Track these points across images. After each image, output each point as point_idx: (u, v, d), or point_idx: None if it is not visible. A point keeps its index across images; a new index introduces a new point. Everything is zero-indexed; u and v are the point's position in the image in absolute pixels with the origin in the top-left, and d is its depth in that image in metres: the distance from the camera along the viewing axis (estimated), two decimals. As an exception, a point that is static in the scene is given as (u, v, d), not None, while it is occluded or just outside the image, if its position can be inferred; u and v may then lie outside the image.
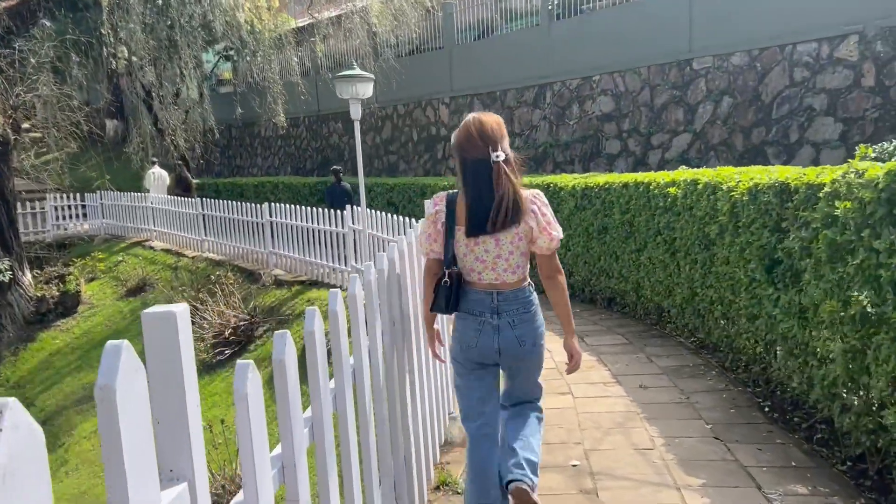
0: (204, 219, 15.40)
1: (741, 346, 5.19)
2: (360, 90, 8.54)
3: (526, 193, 2.76)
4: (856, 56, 8.44)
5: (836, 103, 8.64)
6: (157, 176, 19.14)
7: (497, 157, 2.70)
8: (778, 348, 4.40)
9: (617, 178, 7.65)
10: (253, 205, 13.50)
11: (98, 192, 20.54)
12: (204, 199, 15.46)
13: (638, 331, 6.97)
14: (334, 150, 18.84)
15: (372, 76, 8.68)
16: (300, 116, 20.11)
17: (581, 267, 8.45)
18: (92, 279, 17.19)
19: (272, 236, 12.94)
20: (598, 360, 5.92)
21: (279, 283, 12.39)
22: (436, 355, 3.20)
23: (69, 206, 21.31)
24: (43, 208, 21.51)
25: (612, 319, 7.63)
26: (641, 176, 7.08)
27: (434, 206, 2.86)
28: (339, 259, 11.11)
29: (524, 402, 2.99)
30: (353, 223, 10.41)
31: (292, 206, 12.18)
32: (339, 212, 10.89)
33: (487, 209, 2.68)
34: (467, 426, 2.92)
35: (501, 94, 13.71)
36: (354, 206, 10.84)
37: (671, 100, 10.65)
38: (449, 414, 4.33)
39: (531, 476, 2.72)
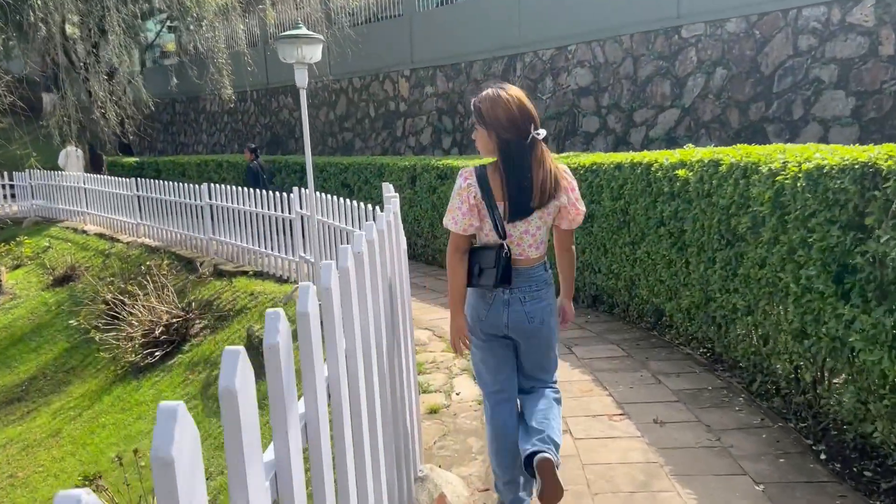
0: (139, 200, 13.99)
1: (778, 370, 4.17)
2: (306, 53, 7.30)
3: (559, 168, 2.76)
4: (872, 21, 7.46)
5: (847, 75, 7.67)
6: (71, 154, 18.10)
7: (538, 134, 2.67)
8: (846, 382, 3.37)
9: (607, 157, 6.57)
10: (191, 186, 12.16)
11: (28, 171, 18.87)
12: (139, 179, 14.03)
13: (634, 338, 5.93)
14: (284, 125, 17.48)
15: (321, 37, 7.44)
16: (248, 90, 18.65)
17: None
18: (17, 266, 15.69)
19: (212, 221, 11.63)
20: (594, 379, 4.86)
21: (219, 274, 11.13)
22: (459, 350, 2.96)
23: (-7, 186, 19.60)
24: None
25: (600, 322, 6.58)
26: (639, 155, 6.01)
27: (464, 180, 2.72)
28: (286, 248, 9.89)
29: (539, 380, 2.95)
30: (301, 208, 9.18)
31: (235, 187, 10.88)
32: (287, 195, 9.65)
33: (529, 190, 2.66)
34: (486, 394, 2.95)
35: (467, 66, 12.54)
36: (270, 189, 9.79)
37: (657, 72, 9.61)
38: (417, 474, 3.23)
39: (555, 452, 2.66)
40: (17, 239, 15.97)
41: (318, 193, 8.79)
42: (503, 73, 11.87)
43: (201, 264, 11.70)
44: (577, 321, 6.70)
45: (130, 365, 9.44)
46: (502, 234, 2.69)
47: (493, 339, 2.86)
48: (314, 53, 7.38)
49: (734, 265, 4.49)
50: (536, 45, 11.23)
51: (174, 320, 9.68)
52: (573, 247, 2.96)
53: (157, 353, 9.37)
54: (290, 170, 13.58)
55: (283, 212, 9.77)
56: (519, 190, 2.65)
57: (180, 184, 12.46)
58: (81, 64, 14.33)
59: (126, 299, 10.09)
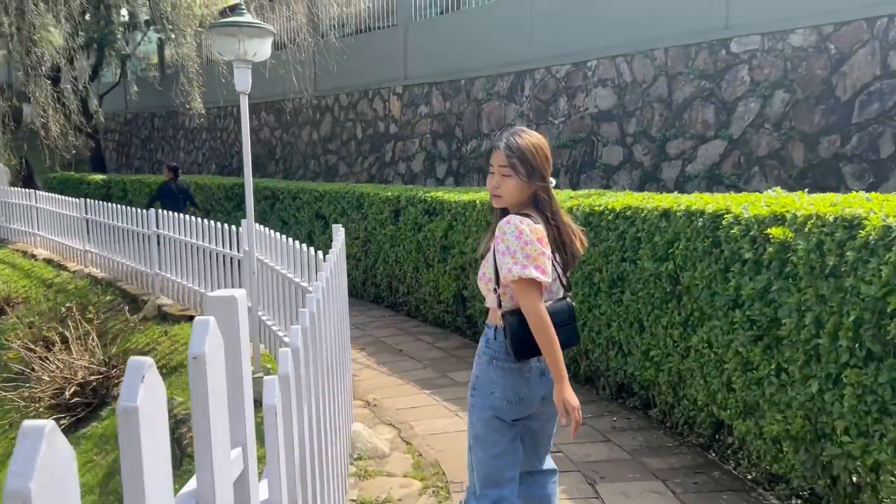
0: (88, 224, 12.20)
1: None
2: (250, 49, 5.53)
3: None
4: None
5: (958, 102, 5.88)
6: None
7: (553, 181, 2.55)
8: None
9: (646, 200, 4.76)
10: (139, 211, 10.37)
11: (-20, 184, 17.13)
12: (87, 200, 12.25)
13: (687, 466, 4.07)
14: (264, 145, 15.73)
15: (270, 28, 5.67)
16: (227, 106, 16.95)
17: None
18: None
19: (159, 253, 9.82)
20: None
21: (163, 317, 9.30)
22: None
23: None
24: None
25: (632, 430, 4.72)
26: (698, 200, 4.21)
27: (532, 223, 2.38)
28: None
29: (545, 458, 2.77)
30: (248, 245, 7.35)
31: (183, 216, 9.08)
32: (232, 228, 7.84)
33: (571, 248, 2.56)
34: (497, 493, 2.56)
35: (467, 84, 10.79)
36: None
37: (697, 94, 7.83)
38: None
39: None
40: (-46, 262, 14.15)
41: (262, 228, 6.97)
42: (509, 91, 10.11)
43: (145, 303, 9.89)
44: (601, 422, 4.84)
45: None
46: (568, 286, 2.60)
47: (515, 425, 2.59)
48: (261, 49, 5.60)
49: (886, 395, 2.65)
50: (550, 61, 9.48)
51: (92, 378, 7.82)
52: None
53: (63, 421, 7.50)
54: (259, 196, 11.79)
55: (229, 248, 7.96)
56: (570, 239, 2.53)
57: (129, 208, 10.69)
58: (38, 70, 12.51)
59: (37, 349, 8.24)
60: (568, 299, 2.54)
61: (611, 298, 5.11)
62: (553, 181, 2.50)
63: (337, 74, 13.06)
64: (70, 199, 12.96)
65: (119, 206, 11.00)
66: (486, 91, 10.48)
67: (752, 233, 3.55)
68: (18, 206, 15.16)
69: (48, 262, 13.61)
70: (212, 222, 8.38)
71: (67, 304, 9.30)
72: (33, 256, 14.27)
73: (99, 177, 17.62)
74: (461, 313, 7.54)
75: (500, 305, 2.46)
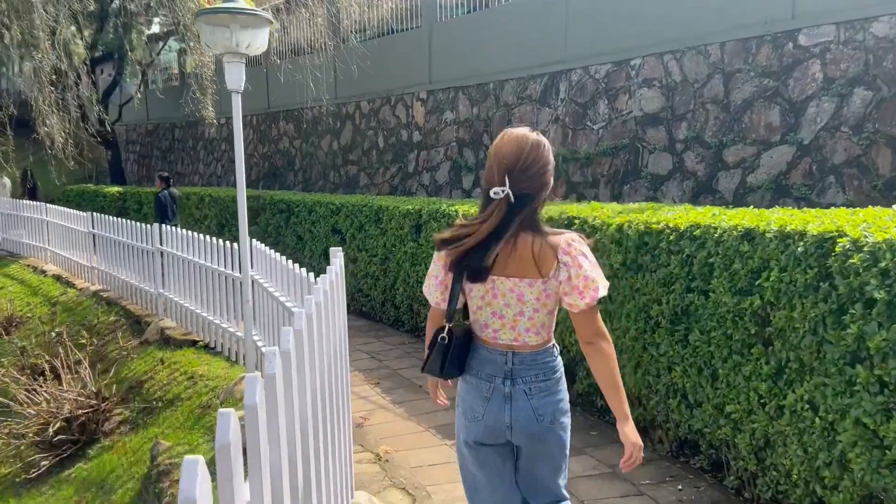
0: (94, 239, 11.54)
1: None
2: (242, 40, 4.73)
3: (557, 238, 2.26)
4: None
5: None
6: None
7: (496, 193, 2.28)
8: None
9: (728, 217, 3.84)
10: (143, 226, 9.66)
11: (-6, 197, 16.65)
12: (94, 214, 11.59)
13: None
14: (283, 156, 14.99)
15: (266, 17, 4.86)
16: (246, 115, 16.27)
17: (627, 371, 4.63)
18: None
19: (163, 272, 9.08)
20: None
21: (166, 341, 8.57)
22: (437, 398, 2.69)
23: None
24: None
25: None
26: (798, 218, 3.29)
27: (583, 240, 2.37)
28: (238, 318, 7.27)
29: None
30: (253, 267, 6.52)
31: (189, 232, 8.33)
32: (236, 246, 7.04)
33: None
34: None
35: (496, 87, 9.92)
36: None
37: (759, 93, 6.88)
38: None
39: None
40: (-38, 278, 13.58)
41: (261, 248, 6.16)
42: (542, 95, 9.22)
43: (148, 325, 9.15)
44: (663, 492, 3.91)
45: (3, 482, 6.81)
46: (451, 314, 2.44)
47: (486, 448, 2.41)
48: (256, 41, 4.79)
49: None
50: (588, 60, 8.58)
51: (80, 412, 7.05)
52: (604, 342, 2.31)
53: (44, 462, 6.73)
54: (274, 209, 11.02)
55: (230, 268, 7.15)
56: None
57: (134, 222, 9.99)
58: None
59: (24, 378, 7.50)
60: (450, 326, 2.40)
61: (673, 337, 4.19)
62: (502, 190, 2.27)
63: (358, 80, 12.28)
64: (76, 212, 12.33)
65: (124, 220, 10.31)
66: (516, 94, 9.60)
67: (883, 264, 2.62)
68: (30, 220, 14.59)
69: (57, 278, 13.01)
70: (215, 240, 7.61)
71: (56, 330, 8.57)
72: (43, 272, 13.69)
73: (115, 189, 17.05)
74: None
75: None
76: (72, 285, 12.24)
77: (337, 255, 3.64)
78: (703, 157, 7.31)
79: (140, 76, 19.71)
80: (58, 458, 6.73)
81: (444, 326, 2.36)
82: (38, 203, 14.46)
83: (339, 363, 3.26)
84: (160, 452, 5.48)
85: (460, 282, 2.33)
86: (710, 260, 3.80)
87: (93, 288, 11.52)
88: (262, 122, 15.73)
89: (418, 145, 11.22)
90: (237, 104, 4.93)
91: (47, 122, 10.99)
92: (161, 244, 8.98)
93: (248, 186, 15.56)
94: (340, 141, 13.16)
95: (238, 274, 6.89)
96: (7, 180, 17.98)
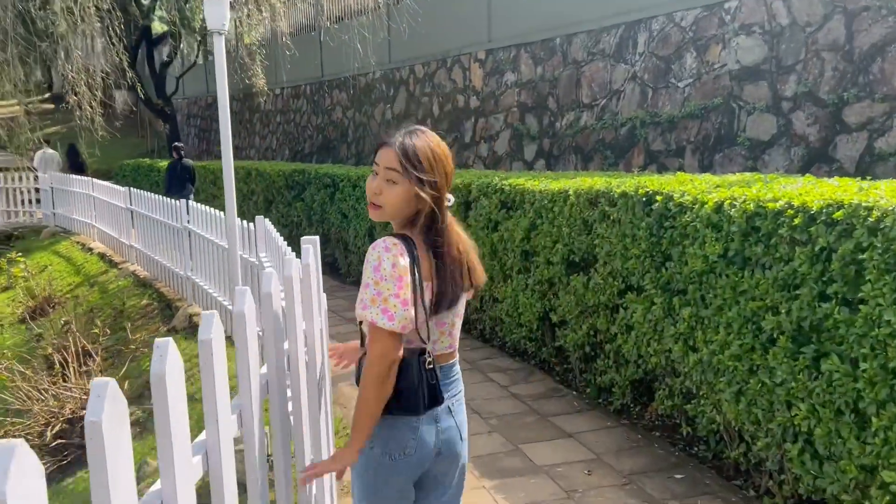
0: (133, 216, 10.86)
1: None
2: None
3: None
4: None
5: None
6: (46, 155, 16.88)
7: (450, 199, 2.06)
8: None
9: (892, 192, 2.61)
10: (172, 202, 8.87)
11: (49, 173, 16.28)
12: (132, 189, 10.89)
13: None
14: (337, 127, 14.05)
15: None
16: (301, 85, 15.39)
17: (726, 397, 3.43)
18: (6, 288, 12.88)
19: (190, 252, 8.25)
20: None
21: (194, 329, 7.71)
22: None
23: (21, 190, 17.16)
24: (-10, 190, 17.43)
25: None
26: None
27: (399, 253, 1.93)
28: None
29: None
30: (264, 251, 5.52)
31: (215, 211, 7.46)
32: (247, 225, 6.07)
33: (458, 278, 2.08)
34: None
35: (564, 43, 8.64)
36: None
37: (893, 36, 5.44)
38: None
39: None
40: (9, 256, 13.16)
41: (271, 229, 5.15)
42: (617, 49, 7.91)
43: (177, 311, 8.37)
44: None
45: None
46: (426, 337, 2.02)
47: (405, 492, 2.10)
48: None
49: None
50: (672, 5, 7.23)
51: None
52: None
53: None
54: (319, 184, 10.06)
55: (247, 252, 6.19)
56: (455, 265, 2.06)
57: (167, 199, 9.22)
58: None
59: (29, 372, 6.76)
60: (426, 349, 2.01)
61: (795, 361, 2.97)
62: (451, 199, 2.05)
63: (412, 42, 11.16)
64: (116, 187, 11.69)
65: (156, 196, 9.55)
66: (587, 50, 8.30)
67: None
68: (78, 195, 14.11)
69: (101, 256, 12.47)
70: (243, 222, 6.67)
71: (64, 319, 7.84)
72: (90, 250, 13.21)
73: (167, 163, 16.46)
74: (548, 343, 5.51)
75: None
76: (114, 264, 11.66)
77: (312, 244, 2.63)
78: (816, 117, 5.91)
79: (197, 47, 19.06)
80: (57, 465, 5.95)
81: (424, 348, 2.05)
82: (86, 178, 13.94)
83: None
84: (146, 476, 4.59)
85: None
86: (862, 255, 2.56)
87: (131, 268, 10.89)
88: (316, 91, 14.81)
89: (476, 112, 10.04)
90: (220, 53, 3.89)
91: (77, 90, 10.22)
92: (188, 221, 8.14)
93: (300, 160, 14.74)
94: (394, 109, 12.09)
95: (254, 259, 5.92)
96: (55, 153, 17.68)
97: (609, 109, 7.92)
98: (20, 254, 13.27)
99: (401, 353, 1.94)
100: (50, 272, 12.82)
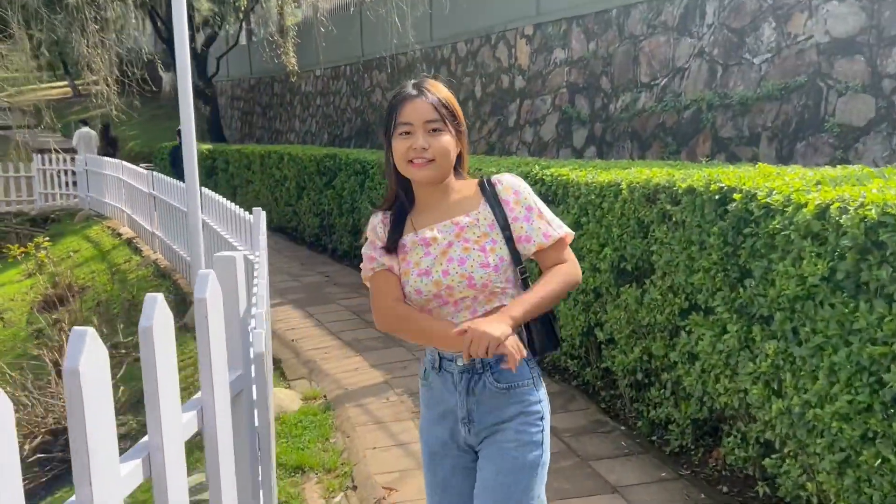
0: (155, 202, 10.30)
1: None
2: None
3: None
4: None
5: None
6: (84, 134, 16.85)
7: None
8: None
9: None
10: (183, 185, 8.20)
11: (84, 156, 15.94)
12: (154, 174, 10.32)
13: None
14: (376, 110, 13.28)
15: None
16: (341, 66, 14.66)
17: (832, 479, 2.52)
18: (31, 274, 12.51)
19: (202, 241, 7.58)
20: None
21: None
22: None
23: (58, 172, 16.89)
24: (29, 172, 17.21)
25: None
26: None
27: None
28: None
29: None
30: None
31: (225, 201, 6.77)
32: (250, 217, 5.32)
33: None
34: None
35: (620, 15, 7.68)
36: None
37: None
38: None
39: None
40: (37, 241, 12.77)
41: (246, 218, 4.41)
42: (681, 21, 6.92)
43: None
44: None
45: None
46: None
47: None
48: None
49: None
50: (748, -32, 6.21)
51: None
52: None
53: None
54: (349, 170, 9.31)
55: (244, 244, 5.45)
56: None
57: (180, 183, 8.56)
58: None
59: (17, 375, 6.17)
60: None
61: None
62: None
63: (454, 17, 10.30)
64: (140, 170, 11.15)
65: (173, 181, 8.94)
66: (647, 22, 7.32)
67: None
68: (109, 178, 13.67)
69: (128, 243, 11.99)
70: (232, 207, 5.94)
71: (55, 317, 7.25)
72: (119, 235, 12.77)
73: (204, 147, 15.94)
74: (593, 363, 4.66)
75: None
76: (139, 252, 11.16)
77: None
78: (928, 98, 4.88)
79: (240, 26, 18.48)
80: (31, 484, 5.32)
81: None
82: (116, 160, 13.48)
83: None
84: None
85: None
86: None
87: (153, 257, 10.35)
88: (355, 72, 14.07)
89: (521, 93, 9.13)
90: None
91: (92, 65, 9.64)
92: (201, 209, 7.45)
93: (338, 145, 14.03)
94: (435, 91, 11.25)
95: (254, 256, 5.18)
96: (93, 132, 17.36)
97: (671, 90, 6.94)
98: (48, 238, 12.89)
99: None
100: (75, 258, 12.42)
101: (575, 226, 4.62)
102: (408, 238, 1.94)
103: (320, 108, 15.78)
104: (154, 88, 29.43)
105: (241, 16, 17.91)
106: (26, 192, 17.16)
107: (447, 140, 1.88)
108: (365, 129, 13.63)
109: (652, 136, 7.08)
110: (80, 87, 31.11)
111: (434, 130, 1.87)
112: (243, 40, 19.05)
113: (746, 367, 3.15)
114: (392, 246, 1.94)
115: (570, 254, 1.97)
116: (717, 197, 3.32)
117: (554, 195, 4.90)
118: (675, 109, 6.82)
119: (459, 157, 1.97)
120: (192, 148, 4.05)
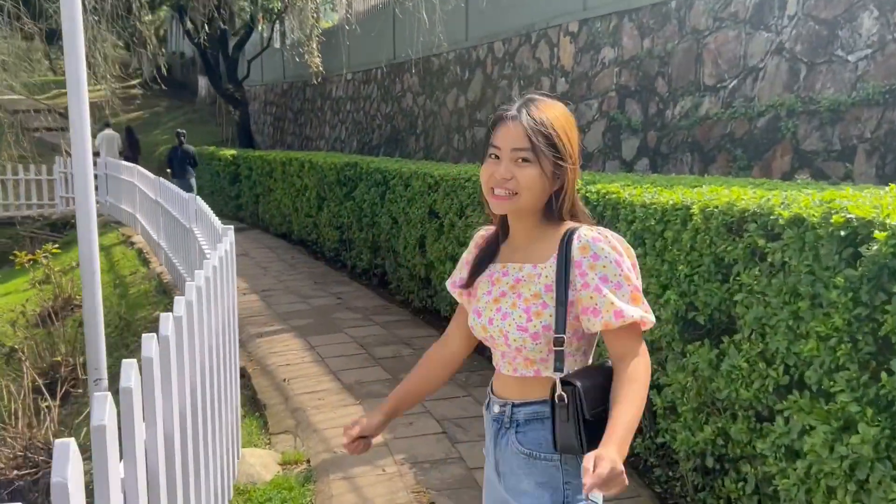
0: (161, 211, 9.51)
1: None
2: None
3: None
4: None
5: None
6: (106, 137, 16.53)
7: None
8: None
9: None
10: (186, 194, 7.39)
11: (104, 159, 15.32)
12: (161, 180, 9.53)
13: None
14: (406, 116, 12.37)
15: None
16: (371, 69, 13.80)
17: None
18: (40, 282, 11.82)
19: (198, 255, 6.73)
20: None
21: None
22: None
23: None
24: (51, 175, 16.71)
25: None
26: None
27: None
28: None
29: None
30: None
31: (211, 215, 5.84)
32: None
33: None
34: None
35: (681, 7, 6.62)
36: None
37: None
38: None
39: None
40: (46, 248, 12.08)
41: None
42: (756, 11, 5.84)
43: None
44: None
45: None
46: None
47: None
48: None
49: None
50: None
51: (20, 474, 4.75)
52: None
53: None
54: (370, 181, 8.39)
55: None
56: None
57: (179, 190, 7.77)
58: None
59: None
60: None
61: None
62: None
63: (491, 14, 9.36)
64: (150, 175, 10.39)
65: (173, 187, 8.13)
66: (712, 15, 6.26)
67: None
68: (126, 184, 12.98)
69: (139, 253, 11.25)
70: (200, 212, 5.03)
71: (10, 346, 6.43)
72: (132, 244, 12.06)
73: (229, 152, 15.24)
74: (646, 435, 3.64)
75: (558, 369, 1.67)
76: (147, 263, 10.41)
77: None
78: None
79: (272, 28, 17.77)
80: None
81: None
82: (131, 164, 12.79)
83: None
84: None
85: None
86: None
87: (158, 269, 9.57)
88: (387, 76, 13.18)
89: (562, 97, 8.08)
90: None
91: (91, 59, 8.88)
92: (195, 221, 6.60)
93: (367, 153, 13.14)
94: (468, 96, 10.29)
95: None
96: (116, 134, 16.85)
97: (742, 93, 5.85)
98: (57, 246, 12.20)
99: None
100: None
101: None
102: (490, 266, 1.81)
103: (350, 113, 14.95)
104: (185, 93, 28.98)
105: (272, 17, 17.17)
106: (48, 195, 16.66)
107: (533, 174, 1.64)
108: (395, 136, 12.73)
109: (717, 148, 6.01)
110: (116, 91, 30.96)
111: (523, 160, 1.65)
112: (277, 43, 18.33)
113: (890, 490, 2.10)
114: (469, 282, 1.84)
115: (642, 345, 1.65)
116: (842, 233, 2.28)
117: (599, 218, 3.88)
118: (747, 116, 5.73)
119: (560, 194, 1.70)
120: (85, 166, 3.18)
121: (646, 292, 3.45)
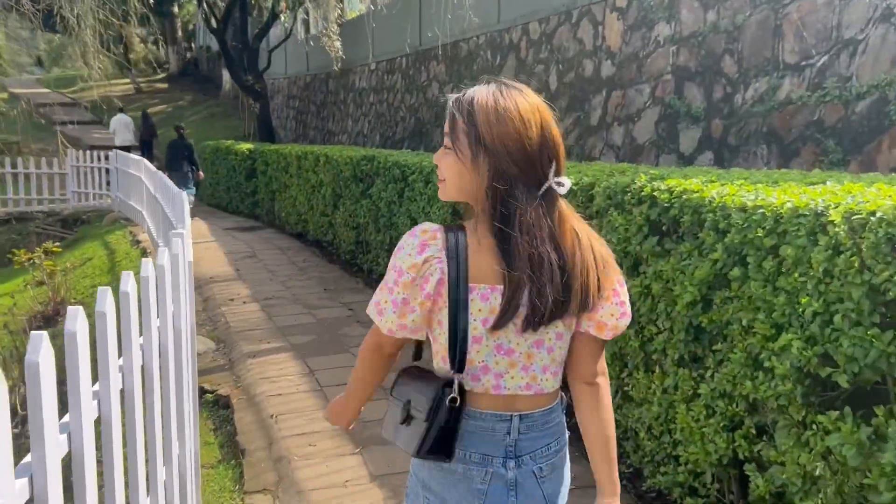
0: (160, 207, 8.68)
1: None
2: None
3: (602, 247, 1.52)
4: None
5: None
6: (119, 121, 16.10)
7: (559, 185, 1.47)
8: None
9: None
10: (177, 192, 6.52)
11: (115, 152, 14.58)
12: (159, 173, 8.69)
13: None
14: (431, 107, 11.42)
15: None
16: (396, 58, 12.86)
17: None
18: (39, 283, 11.09)
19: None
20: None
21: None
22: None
23: (92, 170, 15.61)
24: (63, 169, 16.02)
25: None
26: None
27: (421, 249, 1.46)
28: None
29: None
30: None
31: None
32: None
33: (545, 283, 1.43)
34: None
35: (754, -27, 5.55)
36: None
37: None
38: None
39: None
40: (45, 246, 11.32)
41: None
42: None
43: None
44: None
45: None
46: (455, 359, 1.48)
47: None
48: None
49: None
50: None
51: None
52: (607, 379, 1.58)
53: None
54: (388, 176, 7.47)
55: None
56: (536, 276, 1.43)
57: (173, 186, 6.91)
58: None
59: None
60: (457, 379, 1.48)
61: None
62: (565, 183, 1.46)
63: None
64: (153, 169, 9.58)
65: (169, 182, 7.27)
66: (793, -18, 5.19)
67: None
68: (134, 178, 12.21)
69: (144, 253, 10.44)
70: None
71: None
72: (138, 243, 11.27)
73: (245, 146, 14.42)
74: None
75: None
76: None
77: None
78: None
79: (293, 17, 16.92)
80: None
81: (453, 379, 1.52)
82: (138, 157, 12.00)
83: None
84: None
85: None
86: None
87: (157, 270, 8.67)
88: (412, 64, 12.23)
89: (608, 82, 7.08)
90: None
91: (83, 38, 8.04)
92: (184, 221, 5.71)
93: (391, 147, 12.20)
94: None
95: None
96: (128, 118, 16.23)
97: (834, 72, 4.79)
98: (57, 244, 11.47)
99: (392, 350, 1.61)
100: (85, 268, 10.98)
101: (716, 279, 2.60)
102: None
103: (373, 105, 14.04)
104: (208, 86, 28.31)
105: (295, 5, 16.31)
106: (59, 190, 15.99)
107: (449, 160, 1.48)
108: (419, 129, 11.78)
109: (801, 139, 4.95)
110: (141, 84, 30.44)
111: (444, 147, 1.52)
112: (300, 35, 17.48)
113: None
114: None
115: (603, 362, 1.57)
116: None
117: (675, 225, 2.88)
118: (842, 100, 4.67)
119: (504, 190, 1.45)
120: None
121: (742, 330, 2.46)
